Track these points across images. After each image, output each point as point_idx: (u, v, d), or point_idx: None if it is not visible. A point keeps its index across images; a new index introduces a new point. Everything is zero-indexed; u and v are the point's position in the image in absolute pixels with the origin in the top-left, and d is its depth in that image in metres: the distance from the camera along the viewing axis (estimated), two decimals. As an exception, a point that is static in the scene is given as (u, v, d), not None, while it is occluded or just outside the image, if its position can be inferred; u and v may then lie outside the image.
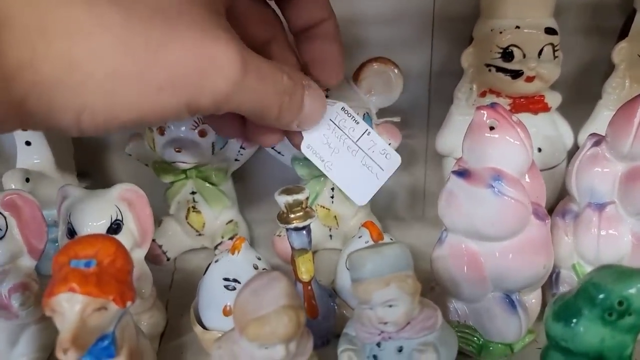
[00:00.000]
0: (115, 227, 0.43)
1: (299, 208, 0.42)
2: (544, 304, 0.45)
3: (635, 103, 0.41)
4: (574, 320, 0.33)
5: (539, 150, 0.52)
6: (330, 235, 0.59)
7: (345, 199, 0.55)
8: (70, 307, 0.31)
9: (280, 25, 0.39)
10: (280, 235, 0.57)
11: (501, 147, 0.39)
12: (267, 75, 0.31)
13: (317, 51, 0.39)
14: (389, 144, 0.54)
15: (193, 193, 0.57)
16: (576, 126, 0.56)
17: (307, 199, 0.43)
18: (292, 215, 0.42)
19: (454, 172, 0.40)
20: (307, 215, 0.42)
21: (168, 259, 0.58)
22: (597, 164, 0.44)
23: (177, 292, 0.54)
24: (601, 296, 0.32)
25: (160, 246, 0.57)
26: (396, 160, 0.41)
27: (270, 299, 0.31)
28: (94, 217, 0.42)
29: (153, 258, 0.57)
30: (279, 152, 0.57)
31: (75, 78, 0.24)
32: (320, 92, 0.36)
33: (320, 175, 0.55)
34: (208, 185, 0.56)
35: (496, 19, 0.51)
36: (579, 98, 0.57)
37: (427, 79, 0.60)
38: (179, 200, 0.57)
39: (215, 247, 0.57)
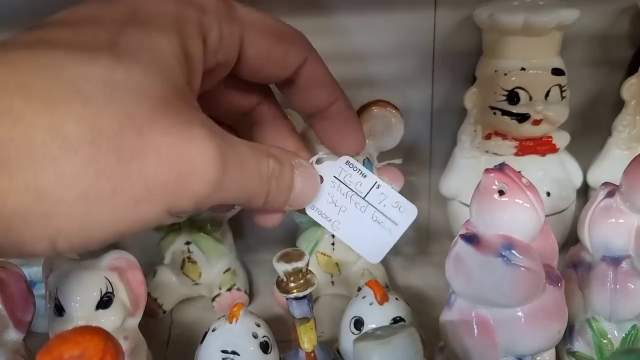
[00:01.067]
0: (106, 300, 0.40)
1: (299, 276, 0.40)
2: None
3: (651, 153, 0.39)
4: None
5: (548, 194, 0.50)
6: (332, 282, 0.57)
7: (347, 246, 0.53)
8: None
9: (268, 87, 0.37)
10: (280, 285, 0.55)
11: (512, 212, 0.37)
12: (250, 163, 0.30)
13: (331, 130, 0.37)
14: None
15: (188, 243, 0.55)
16: (585, 161, 0.54)
17: (308, 265, 0.40)
18: (292, 285, 0.40)
19: (462, 236, 0.38)
20: (308, 283, 0.40)
21: (164, 312, 0.56)
22: (611, 215, 0.42)
23: (175, 351, 0.52)
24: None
25: (155, 299, 0.55)
26: (411, 212, 0.39)
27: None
28: (82, 293, 0.40)
29: (148, 312, 0.54)
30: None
31: (45, 206, 0.22)
32: (312, 170, 0.35)
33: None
34: (203, 234, 0.54)
35: (500, 59, 0.48)
36: (588, 131, 0.55)
37: (429, 115, 0.58)
38: (173, 251, 0.55)
39: (213, 299, 0.55)
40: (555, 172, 0.51)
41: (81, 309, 0.39)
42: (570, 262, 0.46)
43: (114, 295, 0.41)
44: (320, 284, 0.57)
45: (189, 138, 0.25)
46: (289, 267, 0.39)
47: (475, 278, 0.38)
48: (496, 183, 0.37)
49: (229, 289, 0.55)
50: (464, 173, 0.52)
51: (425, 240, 0.64)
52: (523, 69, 0.47)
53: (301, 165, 0.33)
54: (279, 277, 0.41)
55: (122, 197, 0.24)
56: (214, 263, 0.56)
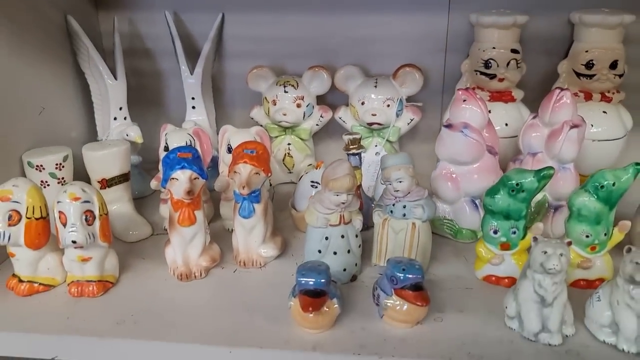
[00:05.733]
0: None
1: (356, 142, 0.75)
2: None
3: (552, 92, 0.73)
4: (495, 195, 0.64)
5: (506, 124, 0.83)
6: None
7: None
8: (244, 170, 0.65)
9: None
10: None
11: (469, 111, 0.71)
12: None
13: None
14: (412, 119, 0.88)
15: (289, 144, 0.91)
16: (533, 110, 0.87)
17: (361, 137, 0.75)
18: (352, 147, 0.75)
19: (444, 125, 0.73)
20: (360, 147, 0.75)
21: (270, 185, 0.92)
22: (533, 129, 0.75)
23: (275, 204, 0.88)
24: (509, 182, 0.63)
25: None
26: None
27: (340, 171, 0.64)
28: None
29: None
30: (344, 121, 0.90)
31: None
32: None
33: (370, 136, 0.88)
34: (298, 139, 0.90)
35: (482, 42, 0.83)
36: (536, 94, 0.87)
37: (442, 78, 0.92)
38: (279, 148, 0.91)
39: (299, 179, 0.91)
40: (512, 113, 0.84)
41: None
42: (512, 159, 0.79)
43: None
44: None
45: None
46: (350, 137, 0.75)
47: (448, 147, 0.72)
48: (462, 95, 0.71)
49: (311, 174, 0.91)
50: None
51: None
52: (494, 47, 0.82)
53: None
54: (344, 144, 0.76)
55: None
56: (302, 159, 0.92)
